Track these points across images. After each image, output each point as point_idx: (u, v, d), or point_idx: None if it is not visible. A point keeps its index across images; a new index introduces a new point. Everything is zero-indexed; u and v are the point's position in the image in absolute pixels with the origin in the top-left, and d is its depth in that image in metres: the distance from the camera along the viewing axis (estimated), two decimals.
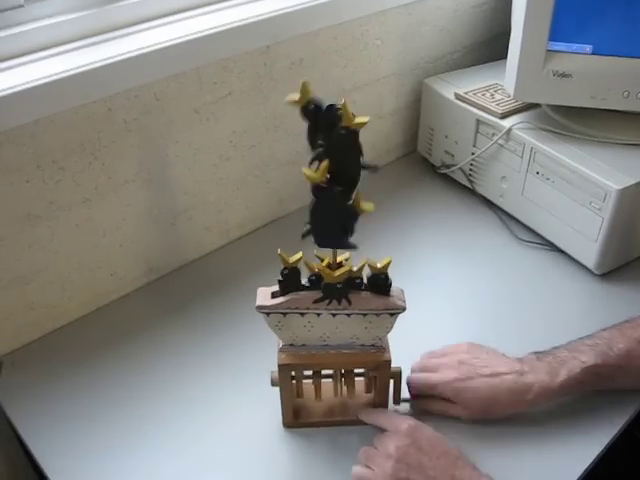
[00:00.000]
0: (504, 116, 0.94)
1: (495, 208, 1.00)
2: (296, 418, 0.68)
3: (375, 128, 1.06)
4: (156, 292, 0.87)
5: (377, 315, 0.61)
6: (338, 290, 0.59)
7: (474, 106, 0.98)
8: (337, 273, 0.58)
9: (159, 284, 0.88)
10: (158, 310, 0.84)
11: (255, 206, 0.95)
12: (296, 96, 0.53)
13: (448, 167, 1.05)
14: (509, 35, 0.90)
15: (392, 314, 0.61)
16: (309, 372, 0.66)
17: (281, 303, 0.60)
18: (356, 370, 0.67)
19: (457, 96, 1.00)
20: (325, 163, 0.53)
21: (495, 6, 1.13)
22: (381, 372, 0.64)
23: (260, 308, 0.60)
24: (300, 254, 0.59)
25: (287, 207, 0.99)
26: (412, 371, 0.70)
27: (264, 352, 0.66)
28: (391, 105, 1.07)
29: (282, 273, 0.59)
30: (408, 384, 0.68)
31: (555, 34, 0.84)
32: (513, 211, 0.97)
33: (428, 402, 0.68)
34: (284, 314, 0.61)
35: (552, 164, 0.87)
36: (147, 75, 0.72)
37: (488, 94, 0.99)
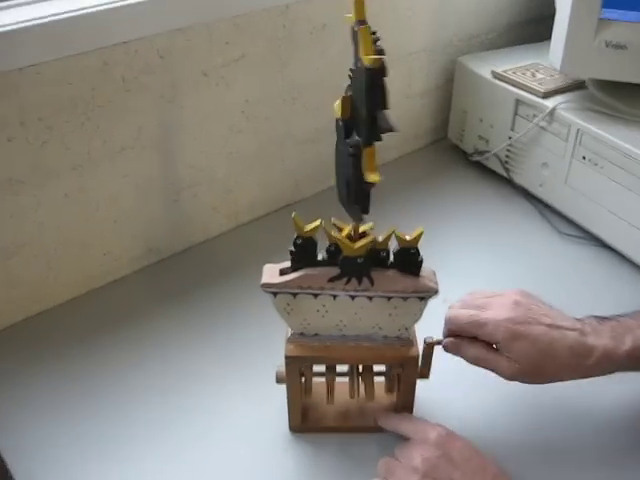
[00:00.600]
0: (547, 95, 0.85)
1: (533, 199, 0.90)
2: (305, 421, 0.59)
3: (403, 108, 0.97)
4: (156, 276, 0.78)
5: (404, 299, 0.51)
6: (358, 266, 0.49)
7: (513, 85, 0.88)
8: (358, 244, 0.49)
9: (159, 267, 0.79)
10: (157, 296, 0.75)
11: (268, 187, 0.86)
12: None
13: (482, 154, 0.96)
14: (548, 18, 0.81)
15: (422, 298, 0.51)
16: (321, 368, 0.57)
17: (291, 281, 0.51)
18: (376, 368, 0.57)
19: (494, 74, 0.91)
20: (343, 97, 0.44)
21: None
22: (406, 370, 0.55)
23: (266, 287, 0.51)
24: (318, 222, 0.50)
25: (303, 191, 0.90)
26: (451, 307, 0.57)
27: (272, 346, 0.57)
28: (421, 85, 0.98)
29: (295, 243, 0.50)
30: (447, 320, 0.56)
31: (609, 0, 0.75)
32: (555, 202, 0.87)
33: (466, 344, 0.55)
34: (294, 295, 0.51)
35: (601, 148, 0.77)
36: (149, 27, 0.64)
37: (529, 73, 0.90)
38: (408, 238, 0.50)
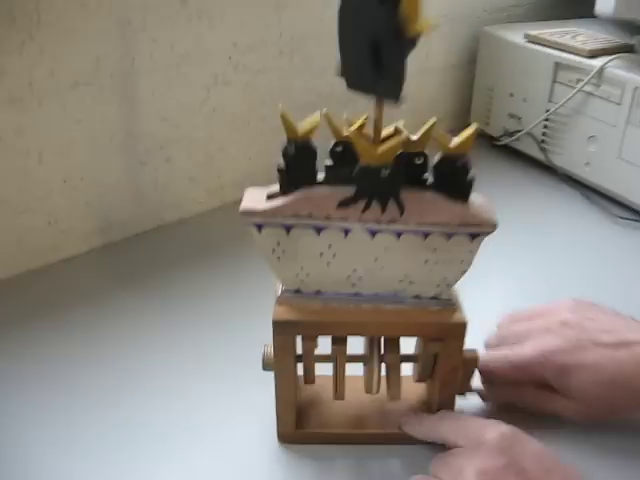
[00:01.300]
0: (593, 55, 0.71)
1: (577, 182, 0.76)
2: (300, 427, 0.42)
3: (420, 85, 0.83)
4: (116, 257, 0.62)
5: (448, 236, 0.35)
6: (382, 182, 0.34)
7: (552, 47, 0.75)
8: (382, 148, 0.33)
9: (120, 249, 0.63)
10: (117, 283, 0.58)
11: (260, 158, 0.71)
12: None
13: (512, 134, 0.82)
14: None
15: (474, 236, 0.36)
16: (323, 350, 0.40)
17: (283, 206, 0.35)
18: (404, 348, 0.41)
19: (529, 38, 0.78)
20: None
21: None
22: (448, 346, 0.38)
23: (247, 215, 0.36)
24: (317, 118, 0.35)
25: None
26: (486, 345, 0.46)
27: (256, 339, 0.41)
28: (440, 58, 0.85)
29: (285, 153, 0.35)
30: (480, 369, 0.43)
31: None
32: (605, 181, 0.72)
33: (512, 391, 0.43)
34: (288, 228, 0.36)
35: None
36: None
37: (568, 36, 0.77)
38: (452, 145, 0.35)
